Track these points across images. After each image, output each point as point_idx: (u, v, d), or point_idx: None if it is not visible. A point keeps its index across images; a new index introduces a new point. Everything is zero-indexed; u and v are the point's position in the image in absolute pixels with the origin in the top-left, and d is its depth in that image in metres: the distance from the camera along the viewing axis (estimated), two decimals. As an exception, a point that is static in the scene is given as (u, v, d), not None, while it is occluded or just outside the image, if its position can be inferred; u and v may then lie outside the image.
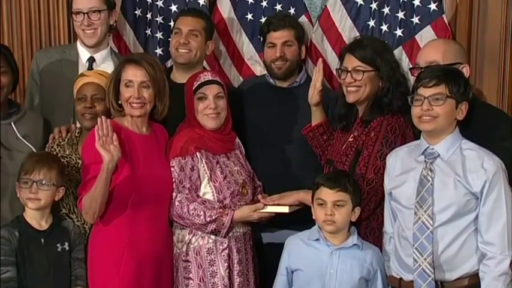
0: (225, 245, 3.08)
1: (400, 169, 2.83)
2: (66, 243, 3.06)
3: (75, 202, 3.15)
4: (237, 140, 3.30)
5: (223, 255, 3.07)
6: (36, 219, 3.04)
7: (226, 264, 3.07)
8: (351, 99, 3.09)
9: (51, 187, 3.03)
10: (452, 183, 2.69)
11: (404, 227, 2.78)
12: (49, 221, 3.07)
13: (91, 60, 3.61)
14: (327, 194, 2.88)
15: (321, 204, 2.89)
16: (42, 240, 3.03)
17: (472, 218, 2.69)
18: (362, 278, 2.89)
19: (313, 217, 2.94)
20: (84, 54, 3.62)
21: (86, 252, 3.10)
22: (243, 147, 3.34)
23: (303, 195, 3.08)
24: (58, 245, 3.05)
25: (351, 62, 3.07)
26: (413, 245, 2.72)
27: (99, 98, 3.22)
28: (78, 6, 3.56)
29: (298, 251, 2.95)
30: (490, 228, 2.66)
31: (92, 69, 3.58)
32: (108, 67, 3.61)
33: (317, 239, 2.93)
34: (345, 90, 3.11)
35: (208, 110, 3.13)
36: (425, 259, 2.69)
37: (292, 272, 2.97)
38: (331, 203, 2.87)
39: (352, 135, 3.11)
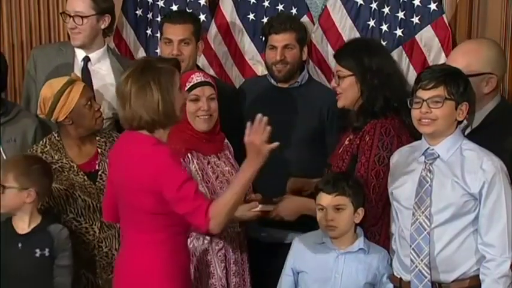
0: (221, 245, 3.06)
1: (402, 169, 2.82)
2: (47, 249, 2.94)
3: (83, 205, 3.15)
4: (226, 140, 3.30)
5: (220, 256, 3.06)
6: (20, 222, 2.97)
7: (222, 265, 3.06)
8: (338, 104, 3.11)
9: (11, 190, 2.93)
10: (450, 184, 2.67)
11: (403, 227, 2.77)
12: (33, 224, 2.97)
13: (86, 59, 3.61)
14: (326, 199, 2.85)
15: (321, 209, 2.87)
16: (20, 245, 2.94)
17: (470, 219, 2.67)
18: (367, 283, 2.87)
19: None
20: (79, 53, 3.63)
21: (75, 258, 2.99)
22: (232, 148, 3.33)
23: (304, 207, 3.04)
24: (37, 250, 2.93)
25: (336, 67, 3.09)
26: (411, 246, 2.71)
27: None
28: (67, 7, 3.58)
29: (304, 253, 2.95)
30: (490, 229, 2.64)
31: (87, 68, 3.59)
32: (103, 66, 3.65)
33: (322, 243, 2.92)
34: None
35: (201, 112, 3.10)
36: (421, 260, 2.69)
37: (298, 273, 2.96)
38: (330, 208, 2.84)
39: (348, 138, 3.10)
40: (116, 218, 2.81)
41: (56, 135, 3.24)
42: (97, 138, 3.27)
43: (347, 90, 3.04)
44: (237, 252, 3.12)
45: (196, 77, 3.14)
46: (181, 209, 2.56)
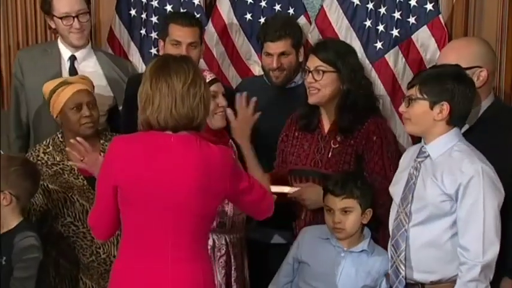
0: (223, 252, 3.04)
1: (402, 166, 2.85)
2: (4, 258, 2.80)
3: (80, 209, 3.12)
4: (230, 140, 3.23)
5: (221, 262, 3.03)
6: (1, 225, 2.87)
7: (223, 271, 3.03)
8: (311, 100, 3.10)
9: None
10: (429, 183, 2.67)
11: (390, 223, 2.80)
12: (6, 229, 2.86)
13: (72, 58, 3.62)
14: (334, 202, 2.87)
15: (329, 210, 2.89)
16: None
17: (449, 221, 2.65)
18: (366, 286, 2.89)
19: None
20: (65, 52, 3.63)
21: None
22: (235, 148, 3.33)
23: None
24: None
25: (313, 62, 3.07)
26: (391, 242, 2.74)
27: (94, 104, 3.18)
28: (66, 10, 3.54)
29: (309, 244, 2.96)
30: (466, 233, 2.61)
31: (74, 67, 3.59)
32: (90, 63, 3.66)
33: (327, 238, 2.94)
34: (308, 90, 3.11)
35: (220, 109, 3.01)
36: (398, 256, 2.70)
37: (299, 263, 2.97)
38: (338, 211, 2.86)
39: (333, 141, 3.08)
40: (113, 234, 2.63)
41: (59, 136, 3.22)
42: (101, 141, 3.22)
43: (327, 86, 3.03)
44: (238, 258, 3.10)
45: (209, 75, 3.06)
46: (256, 194, 2.57)
